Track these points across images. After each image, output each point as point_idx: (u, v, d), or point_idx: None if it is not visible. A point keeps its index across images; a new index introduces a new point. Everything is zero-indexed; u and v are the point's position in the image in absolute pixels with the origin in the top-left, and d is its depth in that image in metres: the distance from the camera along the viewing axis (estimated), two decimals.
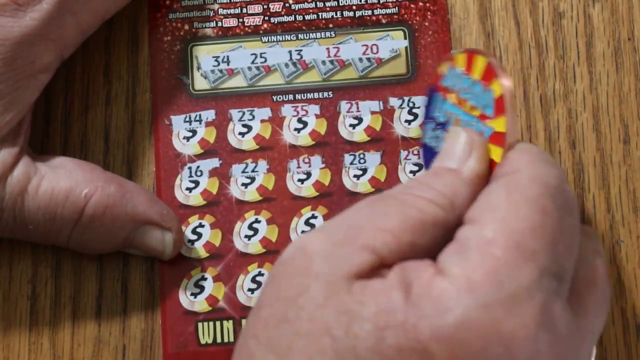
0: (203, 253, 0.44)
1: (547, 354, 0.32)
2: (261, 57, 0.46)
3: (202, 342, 0.43)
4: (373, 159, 0.45)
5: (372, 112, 0.45)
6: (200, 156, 0.45)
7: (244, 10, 0.47)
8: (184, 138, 0.45)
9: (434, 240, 0.35)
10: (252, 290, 0.44)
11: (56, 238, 0.42)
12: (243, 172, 0.45)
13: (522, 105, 0.46)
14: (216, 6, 0.47)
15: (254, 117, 0.45)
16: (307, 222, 0.44)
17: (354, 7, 0.46)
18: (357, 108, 0.45)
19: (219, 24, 0.46)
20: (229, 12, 0.47)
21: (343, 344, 0.32)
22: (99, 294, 0.44)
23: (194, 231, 0.44)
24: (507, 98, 0.37)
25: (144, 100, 0.46)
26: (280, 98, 0.46)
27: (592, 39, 0.46)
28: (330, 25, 0.46)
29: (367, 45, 0.46)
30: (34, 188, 0.40)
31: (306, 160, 0.45)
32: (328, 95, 0.46)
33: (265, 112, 0.45)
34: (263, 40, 0.46)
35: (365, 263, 0.33)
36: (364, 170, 0.45)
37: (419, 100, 0.45)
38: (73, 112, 0.46)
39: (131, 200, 0.42)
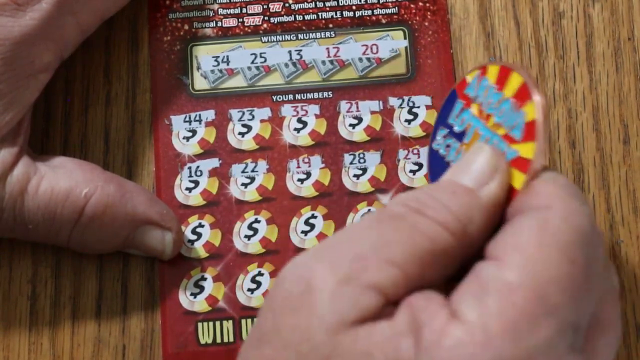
0: (203, 253, 0.44)
1: None
2: (261, 57, 0.46)
3: (202, 342, 0.43)
4: (373, 158, 0.45)
5: (372, 112, 0.45)
6: (200, 156, 0.45)
7: (244, 10, 0.47)
8: (183, 138, 0.45)
9: (442, 269, 0.33)
10: (251, 290, 0.44)
11: (56, 238, 0.42)
12: (243, 172, 0.45)
13: None
14: (216, 6, 0.47)
15: (253, 117, 0.45)
16: (306, 222, 0.44)
17: (354, 7, 0.46)
18: (357, 108, 0.45)
19: (219, 24, 0.46)
20: (228, 12, 0.47)
21: None
22: (99, 294, 0.44)
23: (193, 231, 0.44)
24: (541, 124, 0.34)
25: (144, 100, 0.46)
26: (280, 98, 0.46)
27: (592, 39, 0.46)
28: (330, 25, 0.46)
29: (367, 45, 0.46)
30: (34, 188, 0.40)
31: (306, 160, 0.45)
32: (328, 95, 0.46)
33: (265, 112, 0.45)
34: (263, 40, 0.46)
35: (372, 305, 0.32)
36: (364, 170, 0.45)
37: (419, 100, 0.45)
38: (73, 112, 0.46)
39: (131, 200, 0.42)
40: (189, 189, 0.45)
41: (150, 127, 0.45)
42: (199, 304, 0.43)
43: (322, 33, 0.46)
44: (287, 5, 0.47)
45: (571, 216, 0.33)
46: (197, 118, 0.45)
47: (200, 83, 0.46)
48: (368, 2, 0.46)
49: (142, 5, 0.47)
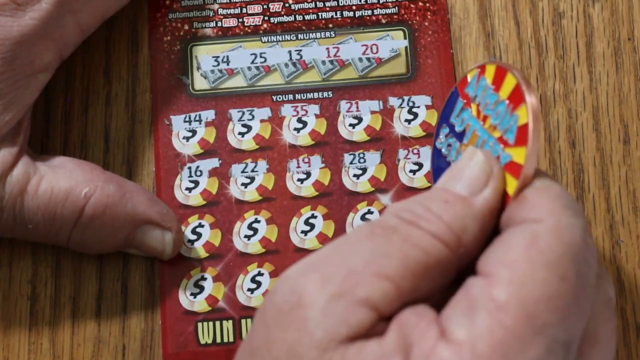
0: (203, 253, 0.44)
1: None
2: (261, 57, 0.46)
3: (202, 342, 0.43)
4: (373, 158, 0.45)
5: (372, 112, 0.45)
6: (199, 156, 0.45)
7: (244, 10, 0.47)
8: (183, 138, 0.45)
9: (437, 280, 0.33)
10: (251, 290, 0.44)
11: (56, 238, 0.42)
12: (243, 172, 0.45)
13: None
14: (216, 6, 0.47)
15: (253, 117, 0.45)
16: (306, 222, 0.44)
17: (354, 7, 0.46)
18: (357, 108, 0.45)
19: (219, 24, 0.46)
20: (228, 12, 0.47)
21: None
22: (99, 294, 0.44)
23: (193, 231, 0.44)
24: (532, 128, 0.33)
25: (144, 100, 0.46)
26: (280, 98, 0.46)
27: (592, 39, 0.46)
28: (330, 25, 0.46)
29: (367, 45, 0.46)
30: (34, 188, 0.40)
31: (306, 160, 0.45)
32: (328, 95, 0.46)
33: (265, 112, 0.45)
34: (263, 40, 0.46)
35: (363, 321, 0.31)
36: (364, 170, 0.45)
37: (419, 100, 0.45)
38: (73, 112, 0.46)
39: (131, 200, 0.42)
40: (189, 189, 0.45)
41: (150, 127, 0.45)
42: (199, 304, 0.43)
43: (322, 33, 0.46)
44: (287, 5, 0.47)
45: (562, 231, 0.32)
46: (197, 118, 0.45)
47: (200, 83, 0.46)
48: (368, 2, 0.47)
49: (142, 5, 0.47)
